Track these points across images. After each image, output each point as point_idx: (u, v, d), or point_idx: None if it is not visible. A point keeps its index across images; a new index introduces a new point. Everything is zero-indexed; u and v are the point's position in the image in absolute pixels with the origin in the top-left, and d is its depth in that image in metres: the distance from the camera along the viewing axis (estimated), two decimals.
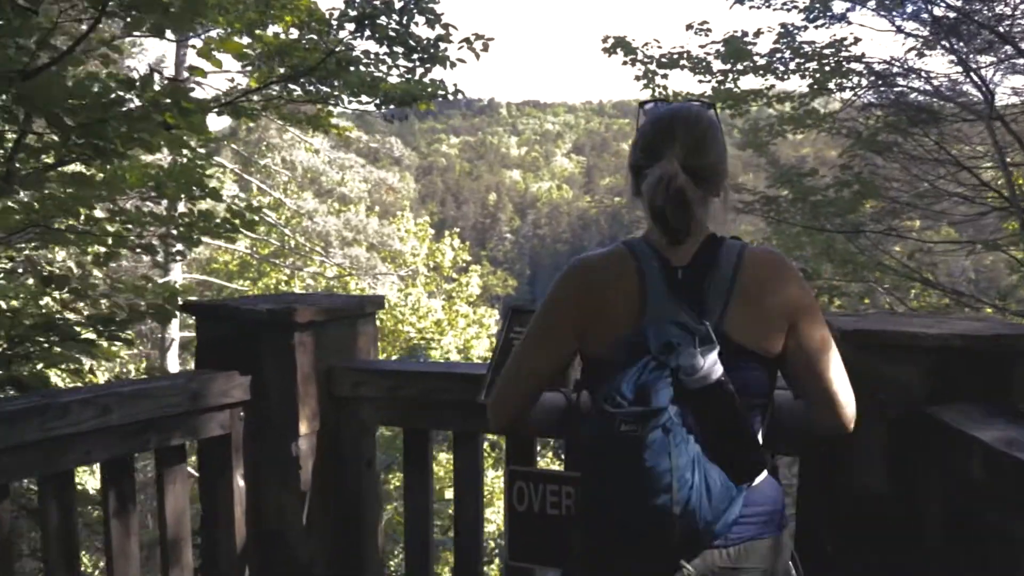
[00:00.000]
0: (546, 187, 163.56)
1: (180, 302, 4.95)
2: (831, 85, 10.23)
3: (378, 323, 17.06)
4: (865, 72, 10.37)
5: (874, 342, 2.67)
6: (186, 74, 14.12)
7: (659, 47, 10.73)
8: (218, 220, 6.29)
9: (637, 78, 10.42)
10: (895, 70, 10.42)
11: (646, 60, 10.60)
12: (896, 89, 10.47)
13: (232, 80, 15.45)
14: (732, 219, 2.96)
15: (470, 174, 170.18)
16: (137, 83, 4.03)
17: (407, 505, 3.45)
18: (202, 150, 7.13)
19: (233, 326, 3.33)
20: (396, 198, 33.52)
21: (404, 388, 3.25)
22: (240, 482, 3.32)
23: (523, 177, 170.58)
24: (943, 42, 9.64)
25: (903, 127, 9.80)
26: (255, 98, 7.66)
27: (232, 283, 27.03)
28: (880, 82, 10.42)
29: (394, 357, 25.11)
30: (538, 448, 3.49)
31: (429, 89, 7.93)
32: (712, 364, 1.93)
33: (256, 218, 6.73)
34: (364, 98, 7.73)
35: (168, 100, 4.21)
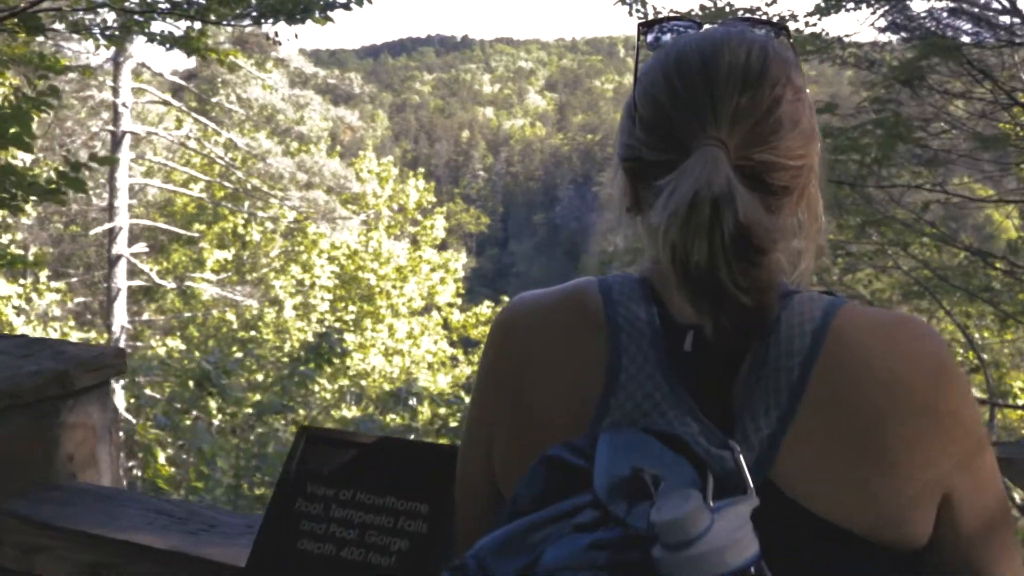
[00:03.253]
0: (519, 124, 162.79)
1: None
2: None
3: (338, 269, 15.46)
4: None
5: None
6: None
7: None
8: (31, 180, 4.64)
9: None
10: None
11: None
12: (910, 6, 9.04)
13: None
14: (817, 252, 1.27)
15: (443, 111, 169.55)
16: None
17: None
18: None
19: None
20: (355, 137, 31.89)
21: (110, 571, 1.66)
22: None
23: (496, 114, 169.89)
24: None
25: (929, 55, 8.27)
26: (111, 16, 6.07)
27: (188, 228, 25.59)
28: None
29: (352, 309, 23.93)
30: None
31: None
32: (734, 533, 0.91)
33: (85, 174, 5.09)
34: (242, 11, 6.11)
35: None
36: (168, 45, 6.89)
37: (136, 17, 6.24)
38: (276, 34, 6.96)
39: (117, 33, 6.44)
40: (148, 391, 17.49)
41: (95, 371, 2.05)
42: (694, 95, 1.16)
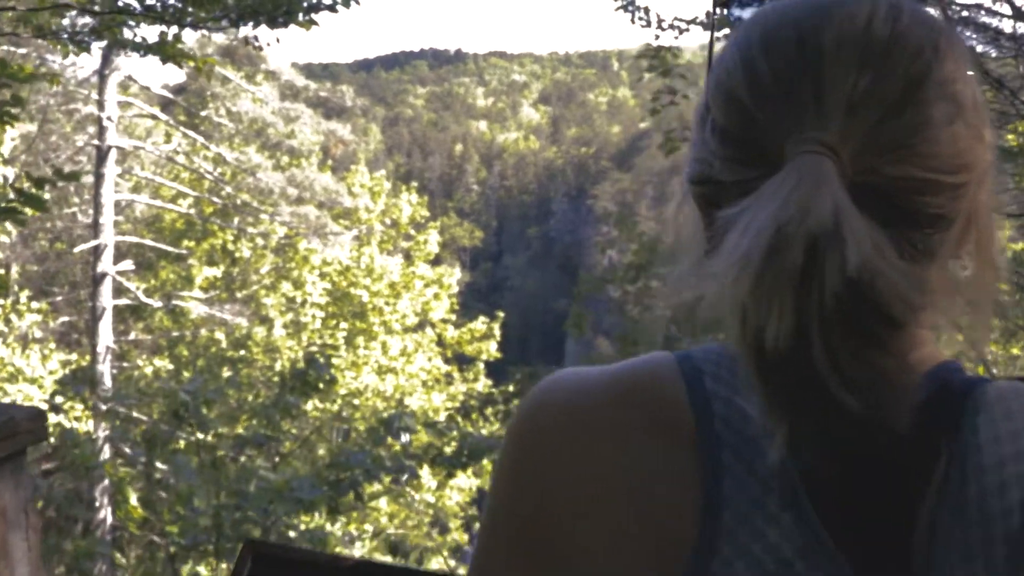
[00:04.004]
0: (512, 138, 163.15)
1: None
2: None
3: (330, 286, 15.25)
4: None
5: None
6: None
7: None
8: None
9: None
10: None
11: None
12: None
13: None
14: (995, 312, 0.71)
15: (436, 125, 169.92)
16: None
17: None
18: None
19: None
20: (347, 151, 31.57)
21: None
22: None
23: (489, 128, 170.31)
24: None
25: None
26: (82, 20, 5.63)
27: (177, 244, 25.17)
28: None
29: (344, 326, 23.69)
30: None
31: None
32: None
33: (70, 190, 4.66)
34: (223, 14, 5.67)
35: None
36: (141, 52, 6.42)
37: (108, 21, 5.82)
38: (256, 38, 6.46)
39: (86, 39, 6.00)
40: (135, 412, 17.08)
41: (3, 440, 1.59)
42: (786, 80, 0.77)
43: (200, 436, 6.28)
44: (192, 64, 6.77)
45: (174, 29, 6.02)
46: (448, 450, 6.69)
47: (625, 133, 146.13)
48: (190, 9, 5.55)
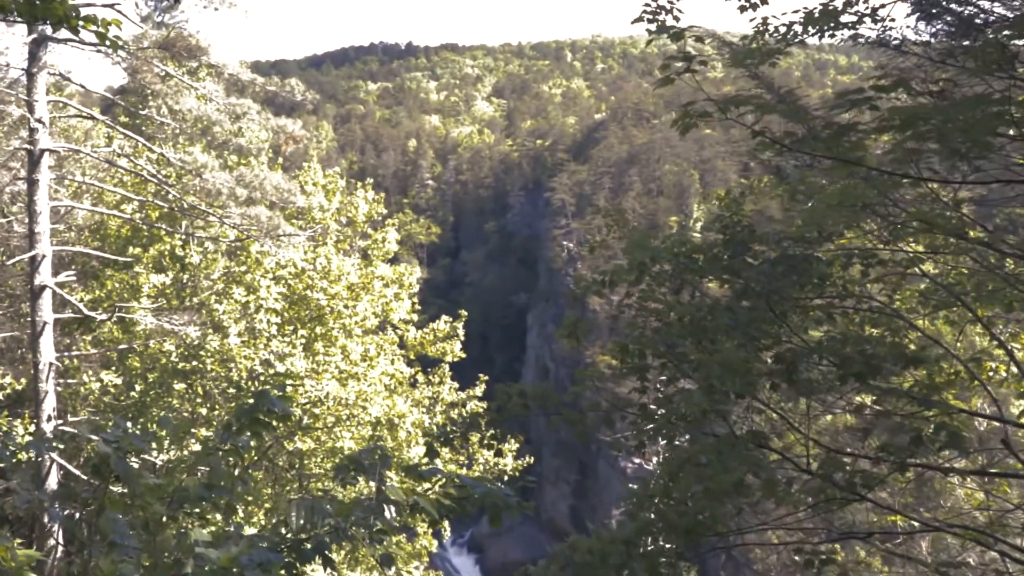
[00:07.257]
0: (467, 132, 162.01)
1: None
2: None
3: (285, 289, 13.90)
4: None
5: None
6: None
7: None
8: None
9: None
10: None
11: None
12: None
13: None
14: None
15: (389, 121, 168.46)
16: None
17: None
18: None
19: None
20: (299, 148, 30.20)
21: None
22: None
23: (443, 122, 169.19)
24: None
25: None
26: None
27: (123, 252, 23.75)
28: None
29: (302, 332, 22.46)
30: None
31: None
32: None
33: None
34: None
35: None
36: (11, 9, 5.05)
37: None
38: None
39: None
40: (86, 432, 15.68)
41: None
42: None
43: (125, 497, 5.09)
44: (93, 29, 5.42)
45: None
46: (432, 495, 5.59)
47: (581, 124, 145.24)
48: None
